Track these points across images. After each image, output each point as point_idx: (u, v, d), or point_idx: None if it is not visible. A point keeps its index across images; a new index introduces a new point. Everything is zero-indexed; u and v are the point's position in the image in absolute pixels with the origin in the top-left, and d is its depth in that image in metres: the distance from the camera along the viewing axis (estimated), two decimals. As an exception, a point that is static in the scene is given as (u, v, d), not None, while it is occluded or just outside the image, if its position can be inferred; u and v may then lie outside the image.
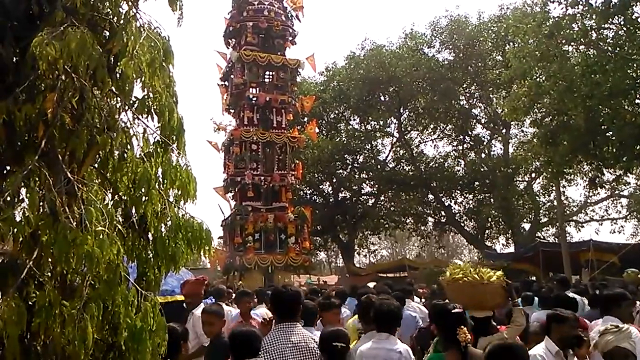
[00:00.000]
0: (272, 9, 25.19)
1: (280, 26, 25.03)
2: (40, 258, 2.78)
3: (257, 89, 24.90)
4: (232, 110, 25.71)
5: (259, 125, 24.14)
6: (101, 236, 2.74)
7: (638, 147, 16.32)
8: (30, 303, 2.78)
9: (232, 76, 25.17)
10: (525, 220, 33.92)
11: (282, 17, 25.49)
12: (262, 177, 23.64)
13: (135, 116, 3.30)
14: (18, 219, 2.87)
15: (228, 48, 26.15)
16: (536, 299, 9.12)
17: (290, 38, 25.69)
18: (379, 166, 35.82)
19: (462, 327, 3.83)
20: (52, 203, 2.79)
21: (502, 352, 3.30)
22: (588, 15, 16.80)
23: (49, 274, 2.85)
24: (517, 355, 3.30)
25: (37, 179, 2.94)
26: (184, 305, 6.90)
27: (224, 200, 25.31)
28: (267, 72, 25.10)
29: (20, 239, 2.83)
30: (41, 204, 2.85)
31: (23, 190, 2.99)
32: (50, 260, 2.79)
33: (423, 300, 11.41)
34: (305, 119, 29.98)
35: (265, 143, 24.09)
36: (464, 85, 33.52)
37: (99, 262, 2.67)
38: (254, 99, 24.30)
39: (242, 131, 23.74)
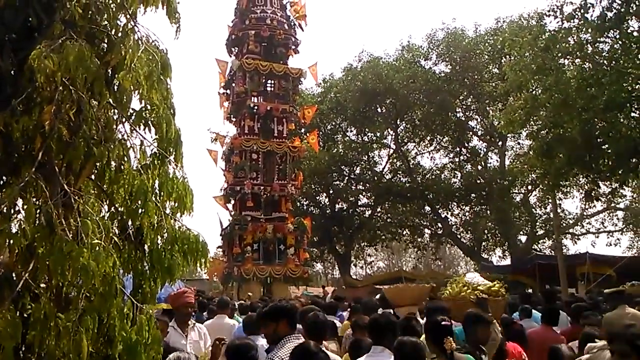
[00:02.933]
0: (274, 17, 25.07)
1: (282, 35, 24.91)
2: (36, 270, 2.77)
3: (259, 97, 24.78)
4: (233, 119, 25.53)
5: (259, 135, 23.98)
6: (97, 249, 2.74)
7: (634, 160, 16.37)
8: (25, 315, 2.77)
9: (233, 84, 25.03)
10: (521, 232, 33.93)
11: (285, 25, 25.36)
12: (262, 187, 23.44)
13: (132, 128, 3.31)
14: (14, 230, 2.87)
15: (230, 56, 26.01)
16: (534, 311, 9.06)
17: (293, 47, 25.53)
18: (375, 178, 35.82)
19: (448, 337, 4.28)
20: (48, 215, 2.79)
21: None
22: (584, 29, 16.89)
23: (45, 286, 2.85)
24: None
25: (33, 190, 2.94)
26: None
27: (224, 210, 25.22)
28: (268, 81, 25.01)
29: (16, 250, 2.83)
30: (37, 215, 2.85)
31: (20, 202, 2.99)
32: (45, 272, 2.79)
33: None
34: (302, 129, 29.95)
35: (265, 152, 23.92)
36: (461, 98, 33.62)
37: (95, 274, 2.66)
38: (255, 107, 24.16)
39: (242, 140, 23.58)
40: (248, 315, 7.20)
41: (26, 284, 2.76)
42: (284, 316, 4.66)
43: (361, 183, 36.51)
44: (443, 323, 4.52)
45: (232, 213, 24.61)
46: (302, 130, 29.91)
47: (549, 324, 7.06)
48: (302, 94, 32.40)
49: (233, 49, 26.04)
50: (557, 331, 7.04)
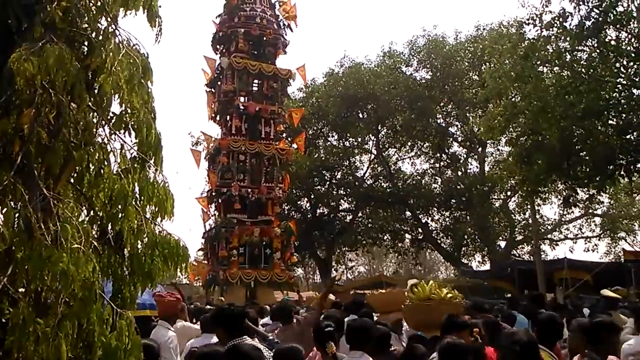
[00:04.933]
0: (264, 16, 24.57)
1: (272, 34, 24.50)
2: (14, 275, 2.74)
3: (247, 97, 24.28)
4: (219, 119, 24.99)
5: (247, 136, 23.49)
6: (77, 253, 2.72)
7: (611, 167, 16.60)
8: (3, 320, 2.74)
9: (219, 83, 24.45)
10: (500, 238, 34.23)
11: (274, 25, 24.93)
12: (249, 190, 23.02)
13: (112, 132, 3.29)
14: (-8, 235, 2.83)
15: (216, 53, 25.43)
16: (519, 316, 9.00)
17: (282, 47, 25.05)
18: (356, 183, 35.89)
19: (330, 342, 4.83)
20: (27, 219, 2.76)
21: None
22: (562, 38, 17.11)
23: (23, 291, 2.82)
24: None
25: (12, 194, 2.91)
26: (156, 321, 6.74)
27: (203, 212, 24.75)
28: (256, 81, 24.51)
29: (-6, 255, 2.80)
30: (16, 220, 2.82)
31: (-3, 206, 2.96)
32: (24, 277, 2.76)
33: None
34: (284, 134, 29.78)
35: (252, 154, 23.42)
36: (441, 104, 33.85)
37: (74, 279, 2.64)
38: (243, 108, 23.71)
39: (230, 141, 23.09)
40: (204, 316, 7.23)
41: (4, 289, 2.73)
42: (221, 323, 4.93)
43: (342, 188, 36.54)
44: (326, 329, 5.00)
45: (216, 215, 24.26)
46: (284, 135, 29.74)
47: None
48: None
49: (219, 47, 25.47)
50: None
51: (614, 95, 16.53)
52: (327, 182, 36.24)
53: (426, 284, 6.72)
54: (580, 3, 16.40)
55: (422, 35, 33.85)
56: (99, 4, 3.33)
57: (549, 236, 34.97)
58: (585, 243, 35.45)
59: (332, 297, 10.68)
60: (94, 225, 3.19)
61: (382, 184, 36.22)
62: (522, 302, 12.57)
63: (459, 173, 34.74)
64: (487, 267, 33.49)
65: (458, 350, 4.14)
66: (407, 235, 37.41)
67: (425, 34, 33.79)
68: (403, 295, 7.35)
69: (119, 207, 3.10)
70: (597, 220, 34.99)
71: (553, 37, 17.24)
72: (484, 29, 32.08)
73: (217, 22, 25.39)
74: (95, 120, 3.28)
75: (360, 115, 34.93)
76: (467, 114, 33.00)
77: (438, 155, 35.50)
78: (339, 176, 36.63)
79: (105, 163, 3.23)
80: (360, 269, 62.76)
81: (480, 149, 33.43)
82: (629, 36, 16.71)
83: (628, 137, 16.43)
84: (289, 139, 28.61)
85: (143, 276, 3.12)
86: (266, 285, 22.39)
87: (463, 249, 35.55)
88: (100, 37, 3.29)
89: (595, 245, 35.50)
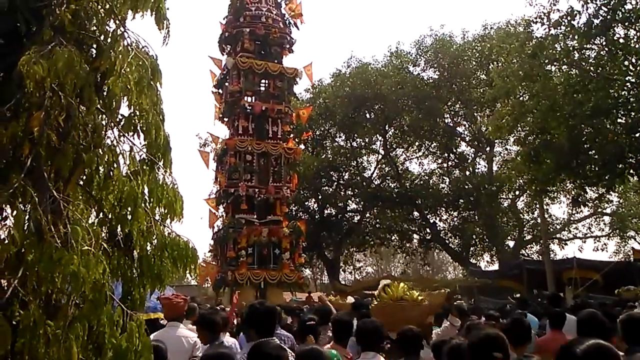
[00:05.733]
0: (269, 15, 24.59)
1: (277, 33, 24.47)
2: (24, 277, 2.75)
3: (253, 97, 24.23)
4: (226, 119, 24.96)
5: (253, 135, 23.48)
6: (87, 255, 2.72)
7: (620, 166, 16.52)
8: (14, 322, 2.75)
9: (226, 84, 24.48)
10: (509, 237, 34.10)
11: (280, 24, 24.92)
12: (257, 189, 22.98)
13: (121, 134, 3.29)
14: (3, 237, 2.84)
15: (223, 54, 25.44)
16: (529, 316, 8.90)
17: (288, 46, 25.09)
18: (364, 183, 35.85)
19: (310, 335, 5.14)
20: (37, 222, 2.77)
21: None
22: (570, 36, 17.05)
23: (34, 293, 2.82)
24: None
25: (22, 197, 2.92)
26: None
27: (209, 213, 24.69)
28: (262, 80, 24.47)
29: (5, 257, 2.80)
30: (26, 222, 2.83)
31: (8, 209, 2.97)
32: (35, 279, 2.76)
33: None
34: (291, 135, 29.71)
35: (260, 154, 23.41)
36: (449, 104, 33.78)
37: (85, 281, 2.64)
38: (249, 107, 23.67)
39: (237, 141, 23.05)
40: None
41: (15, 291, 2.74)
42: (203, 327, 5.55)
43: (350, 188, 36.51)
44: (308, 323, 5.31)
45: (225, 216, 24.23)
46: (291, 135, 29.68)
47: (557, 328, 6.52)
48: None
49: (225, 47, 25.46)
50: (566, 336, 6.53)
51: (623, 93, 16.46)
52: (335, 183, 36.22)
53: (398, 286, 6.69)
54: (589, 1, 16.34)
55: (430, 35, 33.89)
56: (107, 6, 3.34)
57: (557, 235, 34.83)
58: (595, 242, 35.34)
59: (351, 299, 10.75)
60: (104, 227, 3.20)
61: (390, 184, 36.18)
62: (532, 302, 12.54)
63: (467, 173, 34.64)
64: (495, 267, 33.43)
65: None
66: (415, 236, 37.34)
67: (433, 34, 33.81)
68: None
69: (129, 209, 3.11)
70: (607, 219, 34.84)
71: (561, 35, 17.18)
72: (491, 28, 32.04)
73: (223, 23, 25.39)
74: (104, 123, 3.29)
75: (368, 116, 34.89)
76: (475, 114, 32.92)
77: (446, 155, 35.42)
78: (346, 177, 36.61)
79: (115, 165, 3.24)
80: (368, 269, 62.72)
81: (488, 149, 33.32)
82: (638, 34, 16.62)
83: (637, 135, 16.35)
84: (297, 140, 28.56)
85: (152, 278, 3.13)
86: (275, 286, 22.29)
87: (471, 248, 35.44)
88: (109, 40, 3.29)
89: (605, 244, 35.36)
